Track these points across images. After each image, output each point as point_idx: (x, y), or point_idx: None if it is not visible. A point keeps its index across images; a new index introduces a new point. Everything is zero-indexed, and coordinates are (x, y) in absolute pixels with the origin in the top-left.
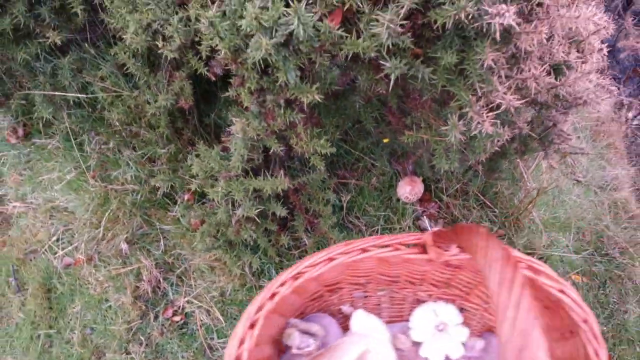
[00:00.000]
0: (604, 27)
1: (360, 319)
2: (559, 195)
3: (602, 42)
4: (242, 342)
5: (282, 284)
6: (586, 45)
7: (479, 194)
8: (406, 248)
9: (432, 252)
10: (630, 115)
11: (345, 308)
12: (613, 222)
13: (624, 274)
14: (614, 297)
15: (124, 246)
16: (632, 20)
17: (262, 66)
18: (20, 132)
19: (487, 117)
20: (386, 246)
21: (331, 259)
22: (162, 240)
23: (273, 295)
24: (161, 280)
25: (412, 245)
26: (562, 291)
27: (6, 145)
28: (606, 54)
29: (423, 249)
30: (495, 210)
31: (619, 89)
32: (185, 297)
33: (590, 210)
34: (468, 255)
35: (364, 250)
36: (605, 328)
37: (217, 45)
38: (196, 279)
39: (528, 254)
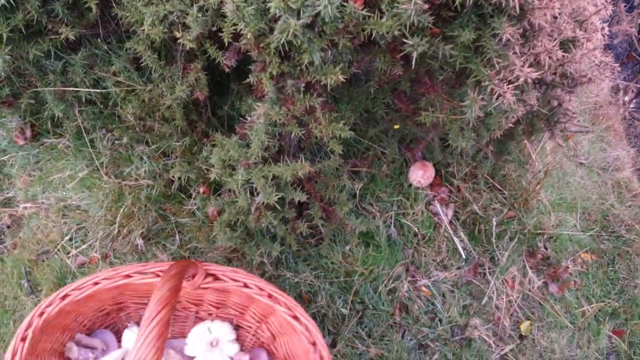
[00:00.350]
0: (603, 7)
1: (130, 336)
2: (563, 177)
3: (603, 21)
4: (14, 354)
5: (49, 305)
6: (589, 24)
7: (488, 177)
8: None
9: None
10: (626, 98)
11: (130, 326)
12: (617, 201)
13: (631, 250)
14: (623, 273)
15: (140, 242)
16: (625, 6)
17: (285, 50)
18: (28, 133)
19: (507, 88)
20: (149, 273)
21: (96, 283)
22: (177, 235)
23: (42, 313)
24: None
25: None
26: (295, 317)
27: (14, 147)
28: (607, 32)
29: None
30: (505, 192)
31: (614, 73)
32: None
33: (594, 191)
34: (215, 284)
35: (128, 276)
36: (616, 304)
37: (241, 30)
38: None
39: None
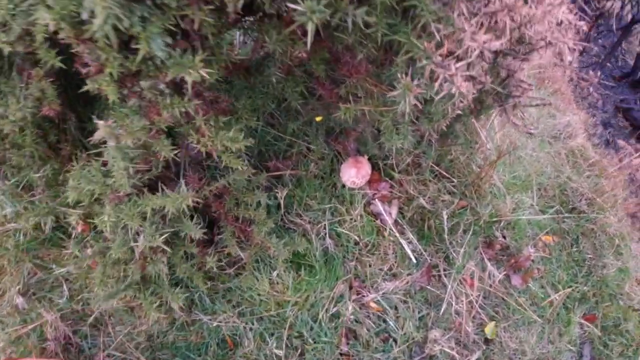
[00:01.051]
0: None
1: None
2: (514, 152)
3: None
4: None
5: None
6: None
7: (434, 165)
8: None
9: None
10: (570, 58)
11: None
12: (574, 172)
13: (596, 227)
14: (588, 253)
15: (19, 300)
16: None
17: (125, 40)
18: None
19: (456, 69)
20: None
21: None
22: (64, 285)
23: None
24: (71, 335)
25: None
26: None
27: None
28: None
29: None
30: (454, 180)
31: (579, 33)
32: (104, 350)
33: (548, 163)
34: None
35: None
36: (585, 287)
37: (46, 20)
38: (114, 325)
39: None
